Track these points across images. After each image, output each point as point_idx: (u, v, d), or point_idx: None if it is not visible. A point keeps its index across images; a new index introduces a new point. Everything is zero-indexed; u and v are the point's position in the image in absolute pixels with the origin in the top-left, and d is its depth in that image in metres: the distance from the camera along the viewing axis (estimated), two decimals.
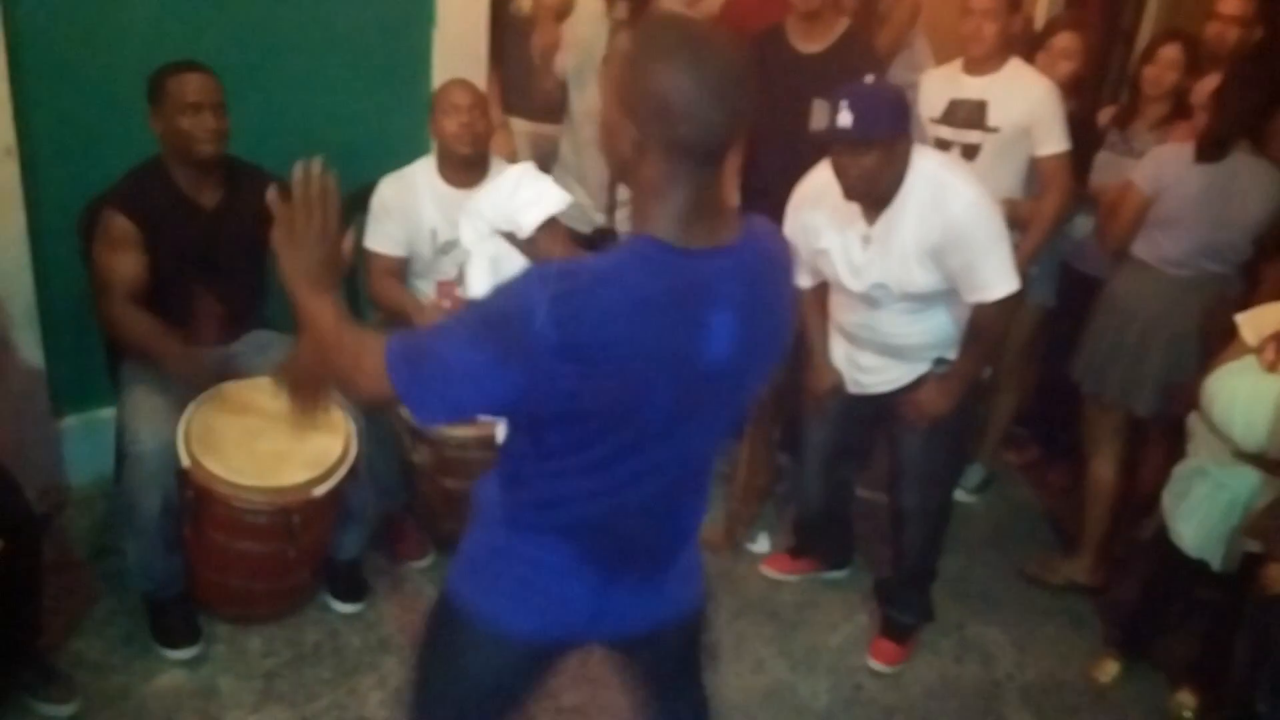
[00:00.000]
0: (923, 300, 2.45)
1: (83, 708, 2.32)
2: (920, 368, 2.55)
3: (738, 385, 1.44)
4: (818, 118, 3.03)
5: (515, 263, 1.68)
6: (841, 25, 3.06)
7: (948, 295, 2.44)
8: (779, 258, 1.48)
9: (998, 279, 2.35)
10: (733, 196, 1.35)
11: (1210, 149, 2.72)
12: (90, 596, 2.64)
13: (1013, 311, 2.45)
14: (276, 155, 2.05)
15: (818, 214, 2.50)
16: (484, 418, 1.62)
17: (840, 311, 2.63)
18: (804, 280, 2.66)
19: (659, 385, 1.31)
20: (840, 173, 2.34)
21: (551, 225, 1.70)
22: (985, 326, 2.44)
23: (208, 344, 2.56)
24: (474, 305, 1.34)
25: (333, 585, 2.71)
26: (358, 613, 2.71)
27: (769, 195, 3.17)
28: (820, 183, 2.46)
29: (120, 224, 2.43)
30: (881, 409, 2.64)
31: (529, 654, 1.57)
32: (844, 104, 2.25)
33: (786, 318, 1.51)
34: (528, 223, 1.70)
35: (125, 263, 2.44)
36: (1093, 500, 3.09)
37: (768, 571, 3.06)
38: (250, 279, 2.66)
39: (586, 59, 3.04)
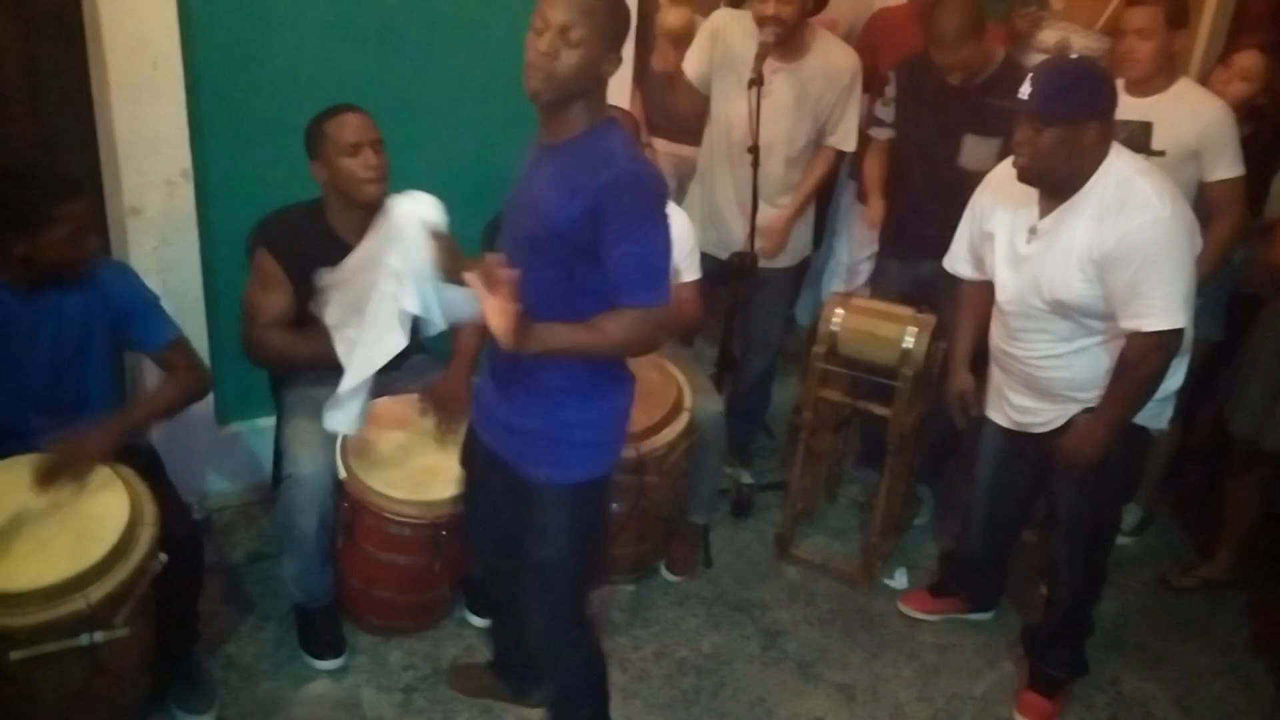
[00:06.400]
0: (1070, 321, 2.30)
1: (234, 714, 2.43)
2: (1073, 409, 2.39)
3: None
4: (968, 154, 2.97)
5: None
6: (996, 57, 2.97)
7: (1098, 327, 2.29)
8: None
9: (1161, 310, 2.16)
10: None
11: None
12: (244, 602, 2.76)
13: (1168, 353, 2.23)
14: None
15: (998, 194, 2.40)
16: None
17: (994, 333, 2.52)
18: (965, 269, 2.59)
19: None
20: (1015, 148, 2.23)
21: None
22: (1133, 361, 2.23)
23: None
24: (640, 211, 1.79)
25: (470, 599, 2.77)
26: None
27: (914, 224, 3.13)
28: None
29: (269, 266, 2.52)
30: (1042, 451, 2.50)
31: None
32: (1031, 75, 2.17)
33: None
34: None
35: (271, 300, 2.53)
36: (1233, 512, 3.06)
37: (906, 609, 2.97)
38: None
39: (731, 73, 3.04)
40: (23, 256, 2.14)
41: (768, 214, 3.15)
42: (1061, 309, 2.30)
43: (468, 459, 2.22)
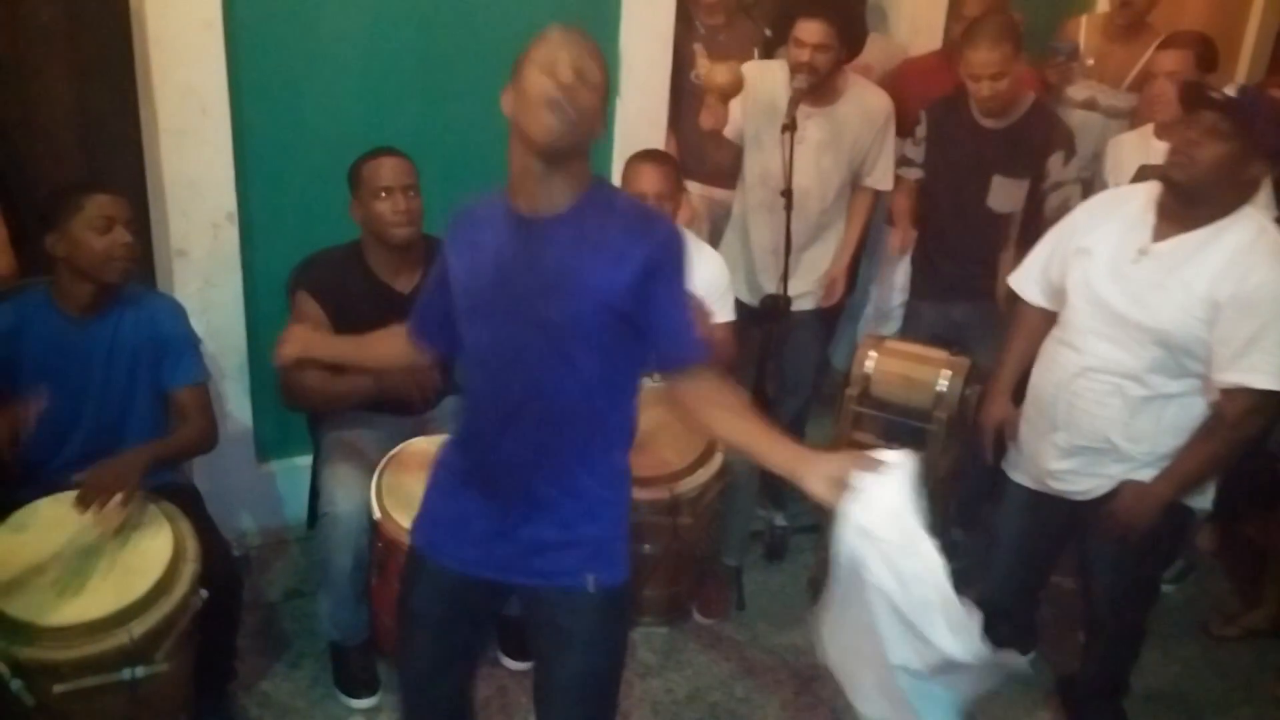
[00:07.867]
0: (1152, 357, 2.17)
1: None
2: (1116, 471, 2.28)
3: None
4: (996, 196, 2.97)
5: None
6: (1026, 100, 2.98)
7: (1191, 369, 2.16)
8: None
9: (1274, 367, 2.07)
10: None
11: None
12: (281, 638, 2.78)
13: (1269, 417, 2.13)
14: None
15: (1104, 211, 2.30)
16: None
17: (1046, 372, 2.37)
18: (1031, 290, 2.46)
19: None
20: (1181, 148, 2.09)
21: None
22: (1231, 421, 2.11)
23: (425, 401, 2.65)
24: (686, 266, 1.64)
25: (503, 642, 2.77)
26: (526, 670, 2.75)
27: (944, 264, 3.14)
28: (1138, 189, 2.30)
29: (310, 308, 2.56)
30: (1076, 512, 2.40)
31: None
32: (1242, 88, 2.18)
33: None
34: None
35: None
36: (1278, 560, 2.98)
37: None
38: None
39: (766, 123, 3.07)
40: (64, 257, 2.21)
41: (808, 259, 3.17)
42: (1158, 339, 2.16)
43: (417, 601, 1.88)
